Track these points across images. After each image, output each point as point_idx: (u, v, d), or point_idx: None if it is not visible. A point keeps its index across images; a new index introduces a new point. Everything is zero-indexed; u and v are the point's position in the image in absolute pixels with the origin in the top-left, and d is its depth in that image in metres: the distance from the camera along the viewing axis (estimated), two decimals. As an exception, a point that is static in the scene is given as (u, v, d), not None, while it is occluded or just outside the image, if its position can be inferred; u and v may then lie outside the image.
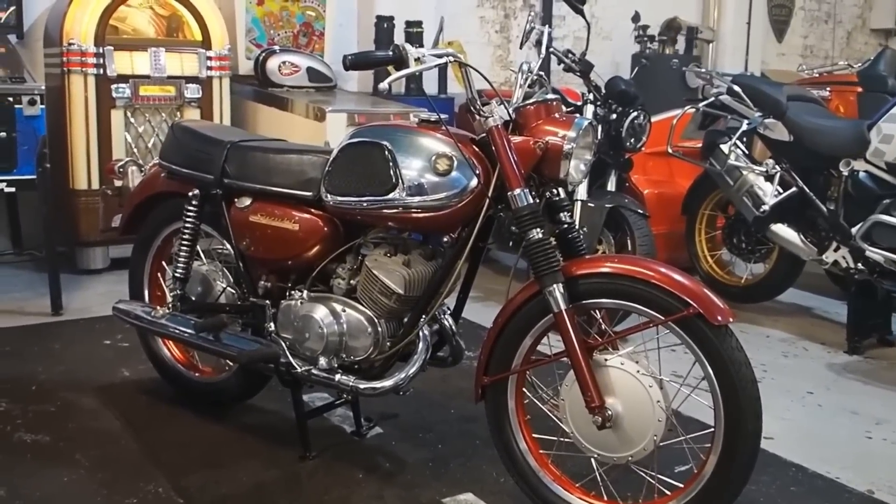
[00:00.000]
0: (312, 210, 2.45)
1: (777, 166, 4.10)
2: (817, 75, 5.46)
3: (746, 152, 4.27)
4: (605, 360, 2.11)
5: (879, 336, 4.03)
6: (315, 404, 2.87)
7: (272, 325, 2.55)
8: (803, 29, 9.06)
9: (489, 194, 2.16)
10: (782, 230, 4.14)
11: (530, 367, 2.24)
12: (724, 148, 4.22)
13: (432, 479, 2.49)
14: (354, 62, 2.06)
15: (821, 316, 4.55)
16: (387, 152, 2.24)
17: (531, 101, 2.17)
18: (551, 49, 2.49)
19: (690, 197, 4.68)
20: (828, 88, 5.14)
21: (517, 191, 2.10)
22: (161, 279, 3.02)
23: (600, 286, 2.10)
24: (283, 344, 2.49)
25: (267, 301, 2.57)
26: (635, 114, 4.07)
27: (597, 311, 2.20)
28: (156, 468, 2.50)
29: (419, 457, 2.63)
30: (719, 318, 1.97)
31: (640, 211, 3.99)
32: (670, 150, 4.41)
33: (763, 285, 4.48)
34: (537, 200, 2.13)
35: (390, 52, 2.07)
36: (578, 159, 2.13)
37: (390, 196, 2.23)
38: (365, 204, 2.29)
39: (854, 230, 3.80)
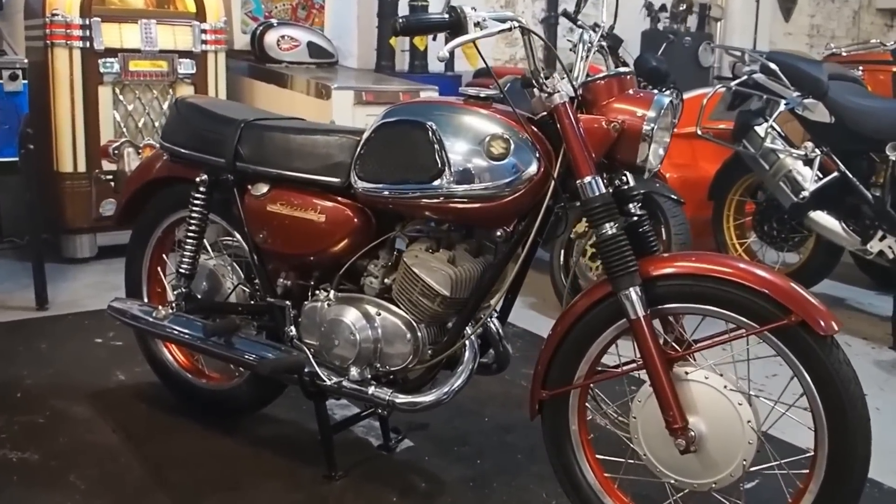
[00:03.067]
0: (340, 199, 2.16)
1: (817, 149, 3.84)
2: (844, 54, 5.19)
3: (783, 134, 4.00)
4: (687, 373, 1.84)
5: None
6: (335, 413, 2.58)
7: (293, 329, 2.25)
8: (810, 8, 8.83)
9: (552, 182, 1.87)
10: (822, 218, 3.88)
11: (597, 381, 1.96)
12: (760, 130, 3.94)
13: (476, 502, 2.21)
14: (406, 27, 1.76)
15: (855, 307, 4.31)
16: (431, 133, 1.95)
17: (601, 75, 1.87)
18: (579, 21, 2.18)
19: (718, 181, 4.41)
20: (860, 68, 4.86)
21: (588, 179, 1.81)
22: (161, 274, 2.71)
23: (681, 289, 1.83)
24: (308, 351, 2.19)
25: (287, 302, 2.27)
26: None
27: (675, 317, 1.92)
28: (162, 490, 2.21)
29: (458, 475, 2.35)
30: (825, 327, 1.70)
31: (674, 196, 3.70)
32: (699, 132, 4.13)
33: (797, 276, 4.21)
34: (609, 190, 1.85)
35: (446, 16, 1.77)
36: (658, 142, 1.84)
37: (435, 184, 1.94)
38: (404, 192, 1.99)
39: (902, 218, 3.56)
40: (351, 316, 2.11)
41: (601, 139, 1.83)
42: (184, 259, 2.46)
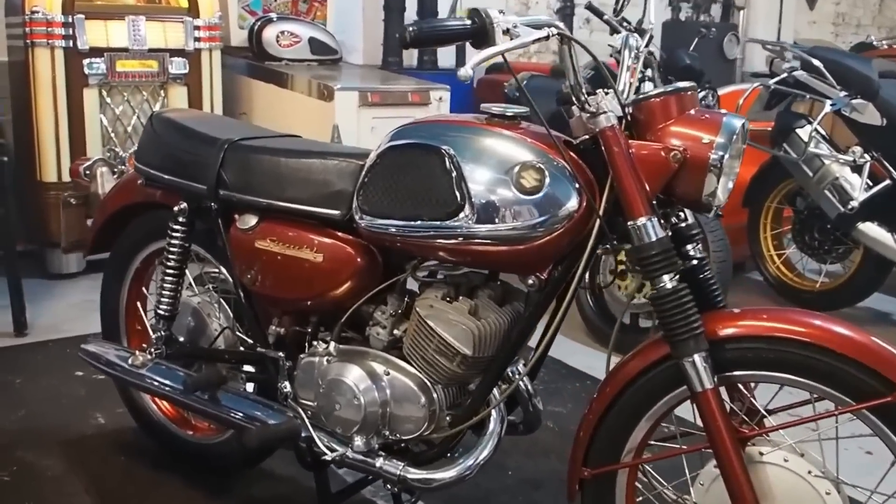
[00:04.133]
0: (340, 235, 1.84)
1: (866, 155, 3.51)
2: (886, 47, 4.83)
3: (829, 138, 3.66)
4: (762, 453, 1.52)
5: None
6: (339, 472, 2.26)
7: (288, 385, 1.93)
8: (835, -5, 8.45)
9: (597, 220, 1.54)
10: (872, 230, 3.57)
11: (650, 461, 1.63)
12: (803, 133, 3.61)
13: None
14: (418, 37, 1.42)
15: (903, 324, 3.97)
16: (448, 161, 1.62)
17: (657, 91, 1.54)
18: (623, 23, 1.82)
19: (754, 188, 4.07)
20: (903, 61, 4.51)
21: (642, 221, 1.48)
22: (141, 310, 2.39)
23: (757, 353, 1.50)
24: (304, 414, 1.87)
25: (280, 353, 1.94)
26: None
27: (746, 385, 1.59)
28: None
29: (479, 547, 2.03)
30: (940, 405, 1.37)
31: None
32: (735, 135, 3.78)
33: (842, 291, 3.89)
34: (668, 233, 1.52)
35: (468, 22, 1.43)
36: (727, 174, 1.51)
37: (452, 222, 1.62)
38: (415, 231, 1.67)
39: (966, 233, 3.24)
40: (354, 375, 1.78)
41: (658, 171, 1.50)
42: (162, 299, 2.14)
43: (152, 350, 2.16)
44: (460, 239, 1.62)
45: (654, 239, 1.48)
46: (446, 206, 1.62)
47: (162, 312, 2.14)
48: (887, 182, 3.48)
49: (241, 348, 2.09)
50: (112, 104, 4.06)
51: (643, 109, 1.54)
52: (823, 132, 3.65)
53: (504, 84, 4.17)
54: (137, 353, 2.17)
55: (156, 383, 2.10)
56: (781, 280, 4.03)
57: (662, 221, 1.51)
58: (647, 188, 1.50)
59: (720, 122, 1.50)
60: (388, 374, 1.77)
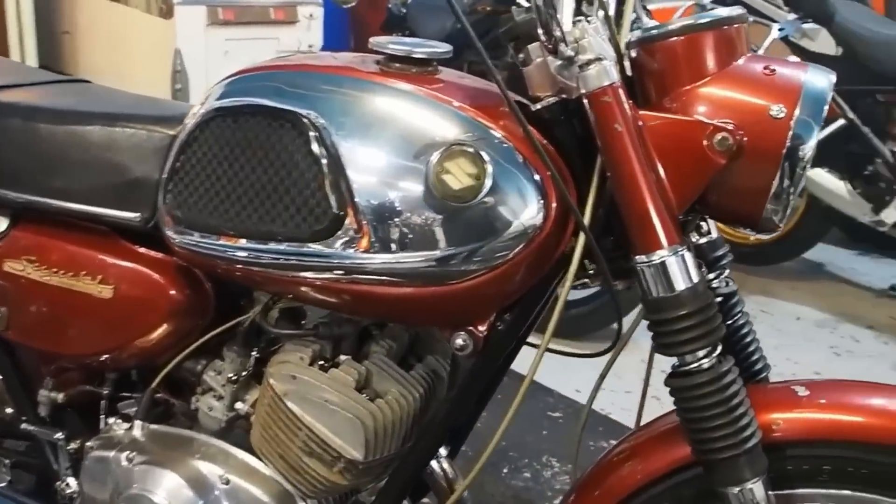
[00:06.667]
0: (143, 251, 1.13)
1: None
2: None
3: (774, 69, 3.13)
4: None
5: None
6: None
7: (72, 479, 1.23)
8: None
9: (578, 244, 0.90)
10: (822, 178, 3.10)
11: None
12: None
13: None
14: None
15: (841, 277, 3.60)
16: (316, 140, 0.94)
17: (677, 23, 0.88)
18: None
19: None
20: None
21: (663, 255, 0.85)
22: None
23: (831, 463, 0.90)
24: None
25: (59, 433, 1.23)
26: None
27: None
28: None
29: None
30: None
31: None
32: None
33: (781, 244, 3.41)
34: (705, 273, 0.88)
35: None
36: (802, 168, 0.87)
37: (324, 247, 0.94)
38: (262, 257, 0.98)
39: (931, 182, 2.82)
40: (168, 487, 1.09)
41: (692, 166, 0.85)
42: None
43: None
44: (338, 273, 0.95)
45: (683, 287, 0.84)
46: (313, 217, 0.94)
47: None
48: (841, 122, 2.99)
49: (4, 419, 1.36)
50: None
51: (657, 54, 0.88)
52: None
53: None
54: None
55: None
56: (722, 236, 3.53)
57: (694, 253, 0.87)
58: (673, 197, 0.85)
59: (799, 80, 0.86)
60: (226, 482, 1.09)
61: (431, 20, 3.13)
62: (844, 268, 3.66)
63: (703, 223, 0.98)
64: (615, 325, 1.04)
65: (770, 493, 0.88)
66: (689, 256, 0.85)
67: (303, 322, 1.10)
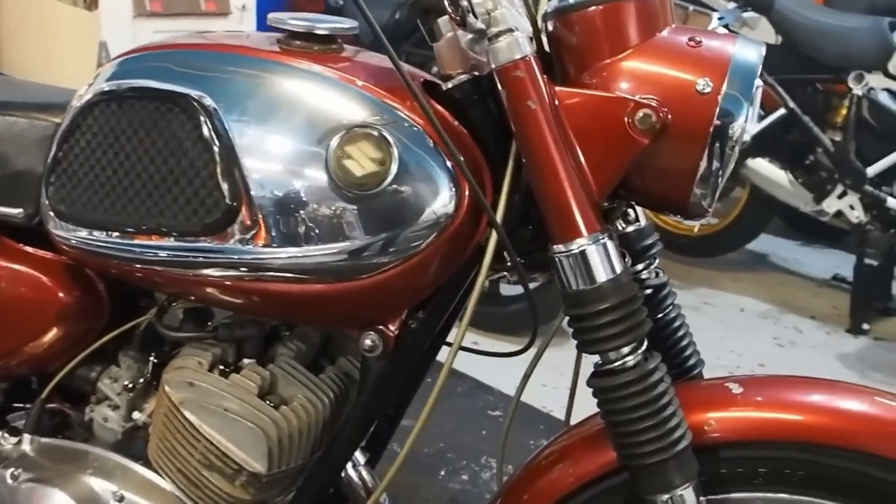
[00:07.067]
0: (28, 250, 1.04)
1: (758, 79, 2.96)
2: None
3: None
4: None
5: (880, 305, 3.05)
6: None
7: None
8: None
9: (491, 235, 0.83)
10: (763, 167, 3.09)
11: None
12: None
13: None
14: None
15: (784, 267, 3.59)
16: (206, 123, 0.85)
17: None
18: None
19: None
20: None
21: (583, 243, 0.78)
22: None
23: (774, 464, 0.85)
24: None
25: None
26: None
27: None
28: None
29: None
30: None
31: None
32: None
33: (724, 235, 3.40)
34: (629, 263, 0.82)
35: None
36: (732, 147, 0.81)
37: (217, 242, 0.86)
38: (152, 253, 0.89)
39: (870, 170, 2.86)
40: (58, 500, 1.00)
41: (614, 146, 0.78)
42: None
43: None
44: (241, 271, 0.87)
45: (605, 278, 0.77)
46: (204, 209, 0.86)
47: None
48: (782, 111, 2.97)
49: None
50: None
51: (575, 26, 0.81)
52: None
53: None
54: None
55: None
56: (654, 225, 3.50)
57: (617, 242, 0.80)
58: (592, 181, 0.78)
59: (727, 52, 0.80)
60: (120, 499, 1.00)
61: (370, 11, 3.05)
62: (787, 258, 3.67)
63: (629, 210, 0.92)
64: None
65: (702, 498, 0.83)
66: (611, 245, 0.78)
67: (209, 324, 1.01)
